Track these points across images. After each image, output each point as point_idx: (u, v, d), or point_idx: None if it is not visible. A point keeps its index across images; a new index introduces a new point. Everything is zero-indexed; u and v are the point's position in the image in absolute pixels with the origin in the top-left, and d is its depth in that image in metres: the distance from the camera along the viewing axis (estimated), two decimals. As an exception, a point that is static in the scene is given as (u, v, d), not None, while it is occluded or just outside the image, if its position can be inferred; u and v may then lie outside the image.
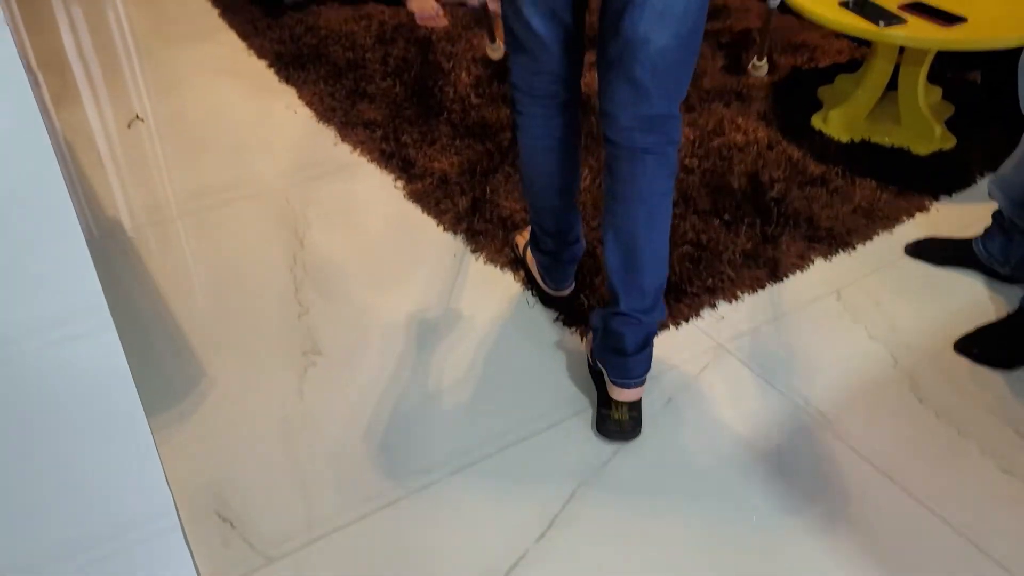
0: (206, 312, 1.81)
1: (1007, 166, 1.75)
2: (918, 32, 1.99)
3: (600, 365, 1.56)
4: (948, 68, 2.56)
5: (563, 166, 1.61)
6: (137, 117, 2.45)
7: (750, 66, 1.65)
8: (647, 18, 1.26)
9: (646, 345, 1.51)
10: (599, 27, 1.34)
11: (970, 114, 2.44)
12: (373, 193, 2.16)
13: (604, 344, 1.52)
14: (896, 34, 1.99)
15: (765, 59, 1.57)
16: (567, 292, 1.81)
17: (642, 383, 1.53)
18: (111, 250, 1.97)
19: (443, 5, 3.03)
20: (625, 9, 1.26)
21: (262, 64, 2.73)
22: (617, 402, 1.54)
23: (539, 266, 1.81)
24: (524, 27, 1.43)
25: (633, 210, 1.41)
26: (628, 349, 1.49)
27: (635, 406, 1.54)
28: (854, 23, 2.02)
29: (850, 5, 2.08)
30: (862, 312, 1.81)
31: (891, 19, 2.00)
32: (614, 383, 1.53)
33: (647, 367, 1.53)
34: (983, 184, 2.18)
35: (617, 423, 1.54)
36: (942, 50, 2.11)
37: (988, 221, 1.86)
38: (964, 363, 1.68)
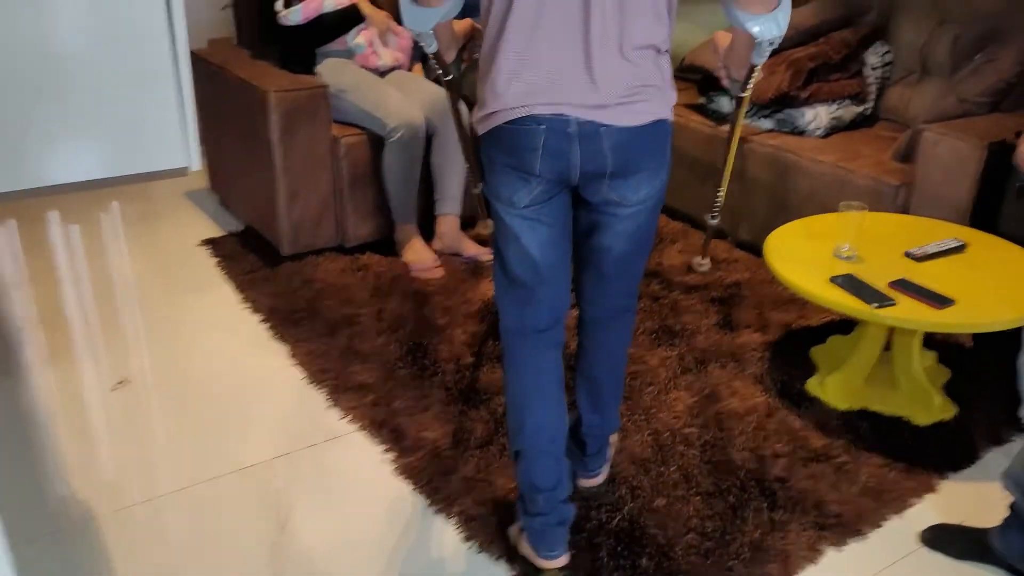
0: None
1: (1018, 462, 1.70)
2: (911, 315, 2.00)
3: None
4: (939, 332, 2.59)
5: (551, 410, 1.69)
6: (122, 381, 2.41)
7: (693, 262, 1.90)
8: (609, 237, 1.62)
9: (601, 449, 1.94)
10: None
11: (966, 378, 2.43)
12: (362, 468, 2.08)
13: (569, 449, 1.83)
14: (889, 316, 2.01)
15: (708, 259, 1.86)
16: (562, 562, 1.71)
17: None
18: (73, 540, 1.85)
19: (439, 255, 3.11)
20: (595, 230, 1.63)
21: (256, 319, 2.73)
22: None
23: (529, 534, 1.71)
24: (519, 254, 1.59)
25: (600, 363, 1.84)
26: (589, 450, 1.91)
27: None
28: (846, 303, 2.05)
29: (839, 282, 2.12)
30: (882, 616, 1.69)
31: (883, 300, 2.03)
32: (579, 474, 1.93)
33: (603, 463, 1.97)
34: (989, 459, 2.13)
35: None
36: (934, 332, 2.12)
37: (998, 501, 1.78)
38: None
